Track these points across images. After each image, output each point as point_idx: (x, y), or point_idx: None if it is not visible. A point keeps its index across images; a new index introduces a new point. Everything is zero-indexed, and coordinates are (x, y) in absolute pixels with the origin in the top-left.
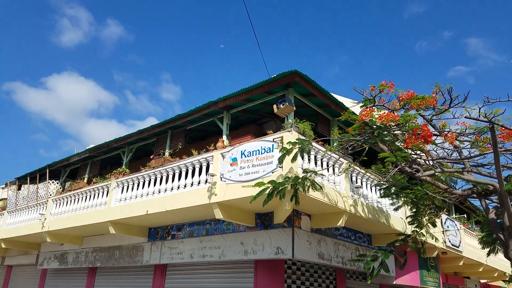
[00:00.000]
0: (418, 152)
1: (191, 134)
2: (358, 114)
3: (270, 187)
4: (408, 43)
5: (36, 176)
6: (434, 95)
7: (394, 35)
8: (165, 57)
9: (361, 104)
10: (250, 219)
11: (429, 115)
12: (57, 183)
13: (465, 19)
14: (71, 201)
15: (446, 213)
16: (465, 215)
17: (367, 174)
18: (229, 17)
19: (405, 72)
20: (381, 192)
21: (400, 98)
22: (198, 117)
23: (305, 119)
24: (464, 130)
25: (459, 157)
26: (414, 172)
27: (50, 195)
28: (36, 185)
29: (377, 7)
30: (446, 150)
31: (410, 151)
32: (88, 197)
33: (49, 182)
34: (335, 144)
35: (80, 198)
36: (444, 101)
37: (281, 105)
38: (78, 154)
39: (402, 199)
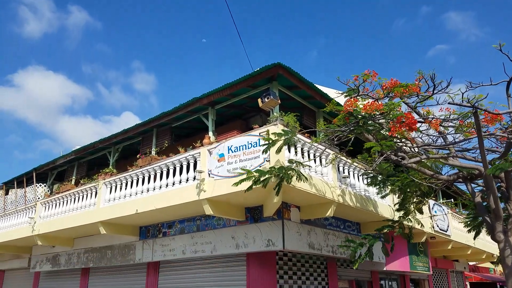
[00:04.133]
0: (403, 140)
1: (177, 131)
2: (342, 104)
3: (256, 176)
4: (385, 21)
5: (23, 180)
6: (417, 82)
7: (371, 13)
8: (135, 44)
9: (345, 95)
10: (240, 214)
11: (413, 102)
12: (45, 186)
13: None
14: (60, 203)
15: (433, 198)
16: (452, 200)
17: (354, 163)
18: (200, 6)
19: (384, 53)
20: (368, 180)
21: (384, 87)
22: (183, 114)
23: (290, 112)
24: (448, 116)
25: (444, 143)
26: (400, 159)
27: (39, 198)
28: (23, 189)
29: None
30: (431, 137)
31: (395, 140)
32: (76, 198)
33: (36, 186)
34: (321, 135)
35: (69, 200)
36: (427, 87)
37: (265, 99)
38: (64, 156)
39: (389, 187)
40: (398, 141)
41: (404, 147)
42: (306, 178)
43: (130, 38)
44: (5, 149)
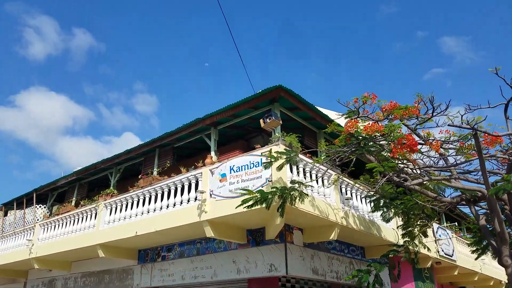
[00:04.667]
0: (405, 161)
1: (179, 151)
2: (343, 126)
3: (258, 196)
4: (383, 45)
5: (23, 201)
6: (416, 104)
7: (368, 38)
8: (138, 66)
9: (345, 116)
10: (242, 236)
11: (412, 124)
12: (44, 207)
13: (438, 18)
14: (59, 225)
15: (437, 221)
16: (456, 223)
17: (356, 185)
18: (190, 25)
19: (381, 77)
20: (372, 205)
21: (384, 109)
22: (186, 135)
23: (291, 132)
24: (448, 138)
25: (445, 165)
26: (402, 181)
27: (38, 220)
28: (23, 210)
29: (349, 11)
30: (432, 159)
31: (397, 161)
32: (76, 220)
33: (36, 207)
34: (322, 156)
35: (68, 222)
36: (426, 110)
37: (267, 120)
38: (65, 177)
39: (393, 210)
40: (400, 162)
41: (406, 169)
42: (307, 195)
43: (132, 60)
44: (5, 169)
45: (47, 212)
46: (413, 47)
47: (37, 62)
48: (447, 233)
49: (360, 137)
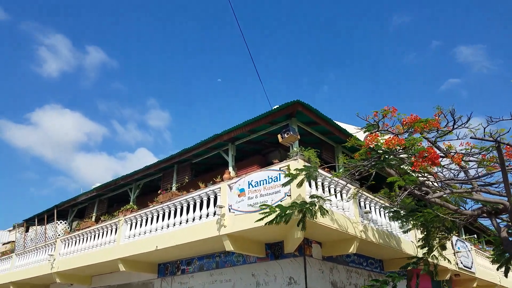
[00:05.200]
0: (426, 174)
1: (197, 167)
2: (362, 139)
3: (278, 211)
4: (395, 56)
5: (44, 217)
6: (436, 117)
7: (381, 49)
8: (151, 82)
9: (364, 130)
10: (260, 250)
11: (433, 137)
12: (65, 223)
13: (452, 27)
14: (79, 240)
15: (456, 234)
16: (475, 236)
17: (375, 198)
18: (205, 42)
19: (396, 88)
20: (390, 215)
21: (404, 122)
22: (203, 151)
23: (309, 147)
24: (469, 150)
25: (466, 177)
26: (423, 194)
27: (59, 235)
28: (44, 226)
29: (361, 22)
30: (452, 171)
31: (417, 174)
32: (96, 235)
33: (57, 223)
34: (341, 170)
35: (89, 237)
36: (447, 122)
37: (285, 135)
38: (85, 193)
39: (412, 222)
40: (421, 175)
41: (427, 182)
42: (327, 211)
43: (146, 77)
44: (22, 185)
45: (68, 228)
46: (427, 57)
47: (51, 79)
48: (466, 246)
49: (381, 151)
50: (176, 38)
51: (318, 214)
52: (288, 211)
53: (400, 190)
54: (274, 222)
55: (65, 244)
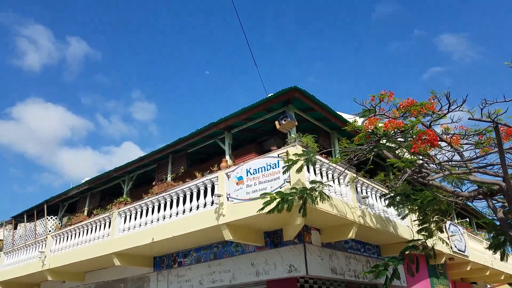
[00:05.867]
0: (424, 157)
1: (192, 157)
2: (359, 124)
3: (278, 198)
4: (379, 45)
5: (34, 213)
6: (432, 101)
7: (364, 38)
8: (136, 74)
9: (360, 115)
10: (259, 239)
11: (427, 121)
12: (56, 218)
13: (435, 15)
14: (71, 235)
15: (449, 218)
16: (467, 219)
17: (372, 184)
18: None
19: (380, 77)
20: (386, 201)
21: (401, 106)
22: (199, 140)
23: (306, 133)
24: (465, 133)
25: (461, 159)
26: (424, 176)
27: (49, 231)
28: (33, 222)
29: (345, 12)
30: (447, 154)
31: (416, 156)
32: (89, 230)
33: (47, 218)
34: (337, 156)
35: (81, 232)
36: (441, 106)
37: (283, 121)
38: (77, 186)
39: (408, 207)
40: (420, 158)
41: (425, 164)
42: (328, 196)
43: (130, 68)
44: (5, 183)
45: (59, 223)
46: (410, 46)
47: (33, 73)
48: (459, 230)
49: (380, 134)
50: (163, 27)
51: (318, 199)
52: (289, 198)
53: (400, 173)
54: (276, 210)
55: (56, 240)
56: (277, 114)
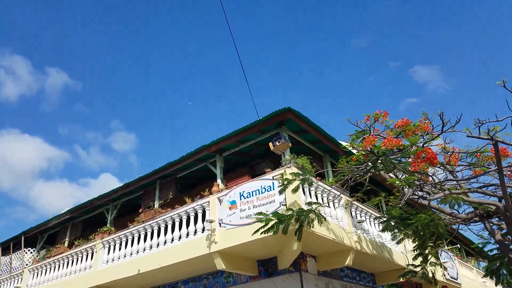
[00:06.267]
0: (423, 176)
1: (181, 182)
2: (349, 148)
3: (274, 219)
4: (358, 77)
5: (10, 246)
6: (426, 121)
7: (342, 70)
8: (115, 104)
9: (354, 136)
10: (253, 268)
11: (420, 142)
12: (34, 250)
13: (408, 48)
14: (51, 268)
15: (446, 243)
16: (458, 246)
17: (366, 208)
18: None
19: (358, 107)
20: (381, 226)
21: (396, 126)
22: (190, 163)
23: (302, 155)
24: (466, 150)
25: (454, 179)
26: (425, 195)
27: (26, 265)
28: (9, 255)
29: (322, 47)
30: (443, 174)
31: (417, 175)
32: (70, 262)
33: (24, 251)
34: (331, 179)
35: (61, 264)
36: (432, 127)
37: (277, 142)
38: (57, 216)
39: (403, 231)
40: (420, 176)
41: (426, 184)
42: (325, 219)
43: (109, 98)
44: None
45: (37, 256)
46: (386, 79)
47: (9, 103)
48: (450, 256)
49: (378, 153)
50: (143, 57)
51: (315, 222)
52: (285, 219)
53: (399, 193)
54: (272, 231)
55: (33, 273)
56: (270, 137)
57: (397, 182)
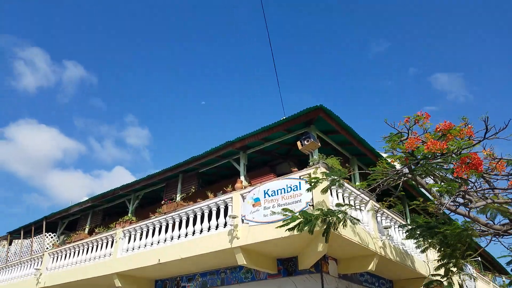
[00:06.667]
0: (465, 182)
1: (202, 177)
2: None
3: (301, 218)
4: (375, 82)
5: (31, 230)
6: (469, 126)
7: (359, 77)
8: (130, 99)
9: (387, 139)
10: (272, 266)
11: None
12: (54, 235)
13: (429, 54)
14: (70, 254)
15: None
16: (479, 258)
17: (391, 214)
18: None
19: (374, 114)
20: (405, 234)
21: (437, 129)
22: (213, 159)
23: (331, 155)
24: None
25: (494, 187)
26: (466, 203)
27: (47, 248)
28: (30, 239)
29: (340, 51)
30: (478, 182)
31: (460, 181)
32: (90, 248)
33: (45, 235)
34: (358, 182)
35: (81, 250)
36: (473, 132)
37: (305, 141)
38: (79, 203)
39: (429, 240)
40: (462, 183)
41: (469, 191)
42: (358, 220)
43: (125, 93)
44: None
45: (57, 241)
46: (404, 85)
47: (28, 94)
48: (469, 269)
49: (422, 155)
50: (157, 53)
51: (341, 226)
52: (313, 219)
53: (436, 199)
54: (297, 229)
55: (53, 257)
56: (295, 136)
57: (437, 188)
